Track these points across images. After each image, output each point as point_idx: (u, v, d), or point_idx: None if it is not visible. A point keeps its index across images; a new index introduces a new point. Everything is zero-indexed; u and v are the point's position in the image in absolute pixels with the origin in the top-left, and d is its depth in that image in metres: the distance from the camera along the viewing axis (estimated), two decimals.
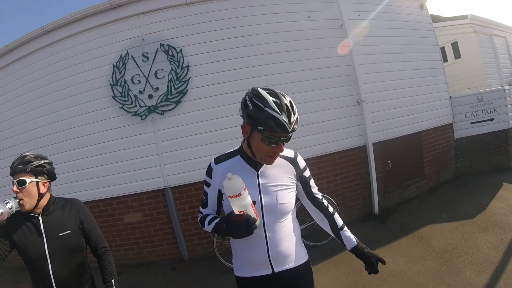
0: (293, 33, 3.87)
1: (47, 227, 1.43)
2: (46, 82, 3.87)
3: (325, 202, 1.37)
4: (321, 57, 3.93)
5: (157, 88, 3.64)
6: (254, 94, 1.08)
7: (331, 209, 1.36)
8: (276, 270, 1.26)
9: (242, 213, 1.09)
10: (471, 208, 3.68)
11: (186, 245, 3.73)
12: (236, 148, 1.28)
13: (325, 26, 4.01)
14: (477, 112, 4.78)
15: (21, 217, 1.42)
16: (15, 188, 1.37)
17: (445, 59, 7.33)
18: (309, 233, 3.52)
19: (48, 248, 1.41)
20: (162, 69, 3.65)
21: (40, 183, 1.43)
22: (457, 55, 7.74)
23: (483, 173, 4.78)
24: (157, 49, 3.65)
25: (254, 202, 1.14)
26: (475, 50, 7.18)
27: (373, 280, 2.59)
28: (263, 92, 1.07)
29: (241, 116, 1.13)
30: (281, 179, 1.23)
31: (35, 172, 1.41)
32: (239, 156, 1.24)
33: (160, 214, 3.72)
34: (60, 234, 1.44)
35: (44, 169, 1.45)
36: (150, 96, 3.64)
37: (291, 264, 1.28)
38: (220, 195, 1.26)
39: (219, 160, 1.26)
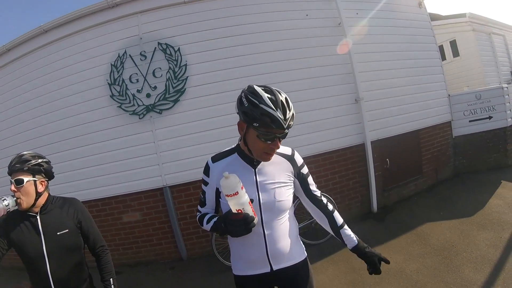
0: (292, 31, 3.86)
1: (45, 226, 1.43)
2: (44, 81, 3.86)
3: (324, 200, 1.34)
4: (320, 56, 3.93)
5: (155, 87, 3.64)
6: (249, 91, 1.08)
7: (330, 207, 1.33)
8: (274, 268, 1.25)
9: (240, 211, 1.09)
10: (470, 206, 3.69)
11: (184, 244, 3.73)
12: (233, 146, 1.28)
13: (323, 25, 4.01)
14: (475, 110, 4.78)
15: (19, 216, 1.43)
16: (12, 187, 1.37)
17: (443, 57, 7.33)
18: (308, 231, 3.53)
19: (46, 247, 1.41)
20: (160, 68, 3.65)
21: (37, 182, 1.43)
22: (456, 53, 7.76)
23: (481, 171, 4.78)
24: (155, 48, 3.65)
25: (252, 200, 1.14)
26: (474, 48, 7.19)
27: (371, 278, 2.58)
28: (258, 89, 1.07)
29: (237, 113, 1.13)
30: (279, 177, 1.23)
31: (33, 171, 1.41)
32: (236, 154, 1.24)
33: (159, 213, 3.72)
34: (58, 233, 1.44)
35: (41, 168, 1.45)
36: (148, 95, 3.64)
37: (289, 262, 1.28)
38: (218, 193, 1.25)
39: (216, 158, 1.26)
